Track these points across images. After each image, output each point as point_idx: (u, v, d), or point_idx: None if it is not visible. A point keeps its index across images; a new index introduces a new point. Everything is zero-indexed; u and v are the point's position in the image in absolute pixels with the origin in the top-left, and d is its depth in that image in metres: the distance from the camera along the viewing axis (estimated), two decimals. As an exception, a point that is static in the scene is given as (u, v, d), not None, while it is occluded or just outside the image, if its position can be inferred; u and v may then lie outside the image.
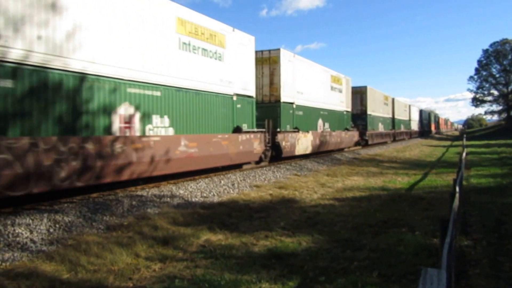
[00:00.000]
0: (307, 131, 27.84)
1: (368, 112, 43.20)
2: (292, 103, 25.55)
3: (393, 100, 57.75)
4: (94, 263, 7.66)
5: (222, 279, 6.98)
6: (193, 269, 7.53)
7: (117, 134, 12.87)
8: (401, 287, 6.61)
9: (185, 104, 16.11)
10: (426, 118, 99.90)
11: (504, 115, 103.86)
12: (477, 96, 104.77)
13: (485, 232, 9.87)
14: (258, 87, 23.95)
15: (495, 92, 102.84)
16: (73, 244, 8.59)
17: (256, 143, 20.83)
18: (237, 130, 19.44)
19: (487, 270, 7.45)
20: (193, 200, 13.39)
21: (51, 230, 9.33)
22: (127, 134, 13.23)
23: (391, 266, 7.55)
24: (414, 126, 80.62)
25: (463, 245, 8.90)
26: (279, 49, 24.11)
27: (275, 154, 23.71)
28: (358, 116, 42.25)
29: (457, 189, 8.31)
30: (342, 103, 35.82)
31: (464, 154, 20.87)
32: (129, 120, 13.38)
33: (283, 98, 24.24)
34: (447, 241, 4.50)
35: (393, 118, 57.28)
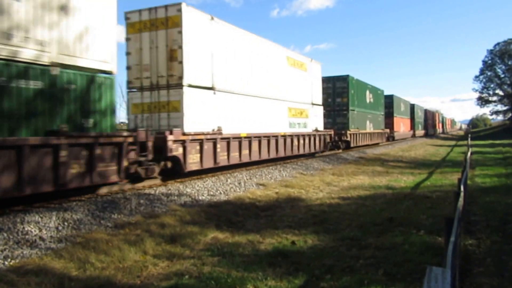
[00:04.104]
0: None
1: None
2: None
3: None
4: (103, 261, 7.69)
5: (228, 277, 6.98)
6: (200, 267, 7.54)
7: None
8: (406, 286, 6.60)
9: None
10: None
11: (509, 115, 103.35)
12: (482, 96, 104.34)
13: (489, 231, 9.83)
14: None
15: (500, 92, 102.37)
16: (81, 241, 8.62)
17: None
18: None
19: (491, 268, 7.42)
20: (200, 198, 13.41)
21: (60, 227, 9.37)
22: None
23: (397, 265, 7.53)
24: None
25: (468, 244, 8.87)
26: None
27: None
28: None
29: (462, 188, 8.29)
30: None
31: (469, 154, 20.77)
32: None
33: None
34: (451, 240, 4.48)
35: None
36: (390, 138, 53.18)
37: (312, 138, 27.87)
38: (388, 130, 51.33)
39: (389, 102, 54.12)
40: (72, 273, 7.09)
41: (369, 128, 42.55)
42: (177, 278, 7.02)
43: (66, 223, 9.62)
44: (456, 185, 11.20)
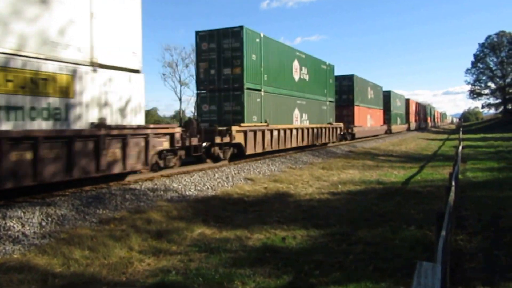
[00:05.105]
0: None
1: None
2: None
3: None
4: (87, 257, 7.67)
5: (216, 273, 7.00)
6: (187, 263, 7.56)
7: None
8: (396, 281, 6.66)
9: None
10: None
11: (501, 108, 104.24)
12: (474, 89, 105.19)
13: (481, 226, 9.92)
14: None
15: (492, 85, 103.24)
16: (65, 237, 8.59)
17: None
18: None
19: (482, 264, 7.50)
20: (187, 193, 13.40)
21: (43, 223, 9.33)
22: None
23: (387, 260, 7.59)
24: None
25: (459, 239, 8.95)
26: None
27: None
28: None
29: (453, 183, 8.37)
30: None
31: (460, 148, 20.93)
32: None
33: None
34: (442, 235, 4.53)
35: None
36: (348, 135, 39.39)
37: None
38: (342, 124, 36.45)
39: (347, 86, 40.75)
40: (56, 269, 7.07)
41: (301, 121, 27.81)
42: (163, 274, 7.02)
43: (49, 219, 9.58)
44: (447, 180, 11.29)
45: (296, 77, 27.27)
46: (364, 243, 8.69)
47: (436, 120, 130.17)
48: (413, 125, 78.58)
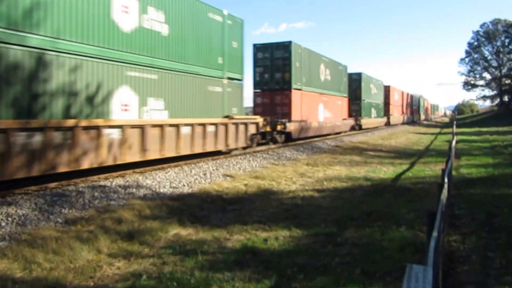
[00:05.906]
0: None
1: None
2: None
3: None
4: (51, 260, 7.56)
5: (192, 277, 6.95)
6: (161, 266, 7.50)
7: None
8: (385, 285, 6.67)
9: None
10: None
11: (496, 101, 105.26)
12: (469, 79, 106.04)
13: (475, 226, 10.00)
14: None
15: (487, 76, 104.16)
16: (27, 239, 8.46)
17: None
18: None
19: (476, 266, 7.55)
20: (162, 190, 13.32)
21: (3, 224, 9.18)
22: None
23: (375, 263, 7.60)
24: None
25: (452, 240, 9.01)
26: None
27: None
28: None
29: (446, 179, 8.40)
30: None
31: (454, 142, 21.09)
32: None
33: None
34: (434, 236, 4.53)
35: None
36: (279, 136, 28.23)
37: None
38: (259, 119, 24.74)
39: (282, 59, 29.29)
40: (16, 274, 6.96)
41: (140, 113, 15.51)
42: (135, 278, 6.96)
43: (10, 219, 9.43)
44: (439, 176, 11.36)
45: (129, 23, 15.10)
46: (350, 245, 8.71)
47: (427, 112, 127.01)
48: (396, 118, 69.08)
